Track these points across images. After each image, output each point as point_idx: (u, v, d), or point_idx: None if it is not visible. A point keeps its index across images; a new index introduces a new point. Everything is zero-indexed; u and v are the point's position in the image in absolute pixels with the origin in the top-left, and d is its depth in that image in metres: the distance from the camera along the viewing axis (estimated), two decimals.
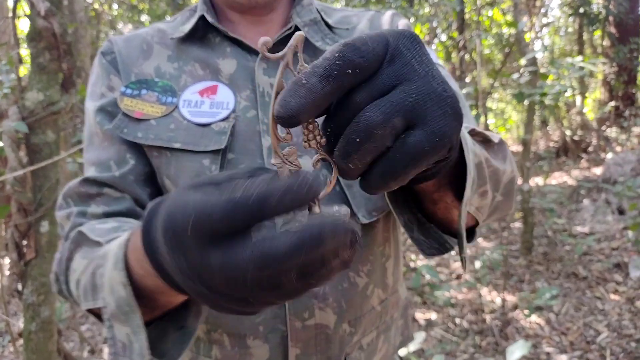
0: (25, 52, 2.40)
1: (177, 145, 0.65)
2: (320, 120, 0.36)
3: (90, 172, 0.68)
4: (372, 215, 0.69)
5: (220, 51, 0.71)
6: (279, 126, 0.34)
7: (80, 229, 0.59)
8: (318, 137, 0.36)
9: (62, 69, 1.89)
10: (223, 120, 0.66)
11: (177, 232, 0.32)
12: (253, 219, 0.30)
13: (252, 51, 0.70)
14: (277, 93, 0.33)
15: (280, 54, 0.34)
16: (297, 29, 0.71)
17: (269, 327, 0.66)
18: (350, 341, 0.71)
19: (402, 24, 0.80)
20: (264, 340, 0.67)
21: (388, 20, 0.79)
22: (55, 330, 1.94)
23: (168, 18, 0.83)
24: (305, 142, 0.36)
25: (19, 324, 2.89)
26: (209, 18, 0.70)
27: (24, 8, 1.94)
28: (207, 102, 0.67)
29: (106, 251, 0.50)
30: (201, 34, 0.72)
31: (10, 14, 1.97)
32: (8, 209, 1.92)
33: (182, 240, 0.32)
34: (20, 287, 1.94)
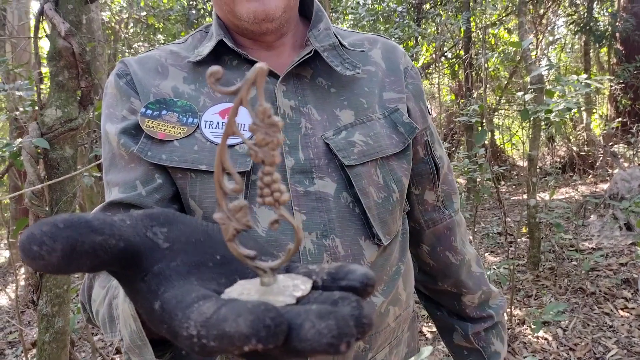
0: (45, 70, 2.49)
1: (202, 167, 0.65)
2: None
3: (114, 193, 0.67)
4: (387, 238, 0.72)
5: (238, 74, 0.71)
6: (225, 175, 0.30)
7: None
8: (276, 193, 0.29)
9: (80, 86, 1.96)
10: None
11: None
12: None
13: (270, 73, 0.70)
14: (228, 135, 0.28)
15: (233, 88, 0.27)
16: (316, 53, 0.72)
17: None
18: (365, 358, 0.73)
19: (413, 67, 0.83)
20: None
21: (402, 57, 0.81)
22: (68, 341, 1.98)
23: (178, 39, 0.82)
24: (259, 197, 0.30)
25: (32, 334, 2.93)
26: (229, 43, 0.70)
27: (46, 28, 2.02)
28: None
29: (117, 284, 0.50)
30: (216, 56, 0.72)
31: (33, 34, 2.06)
32: (26, 222, 1.98)
33: None
34: (35, 298, 1.98)
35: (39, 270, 0.28)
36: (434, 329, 2.98)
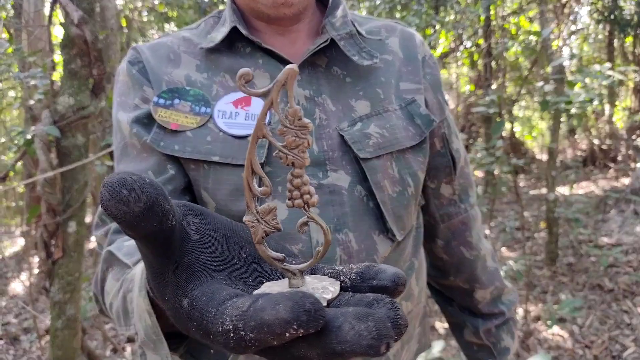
0: (58, 58, 2.49)
1: (215, 159, 0.64)
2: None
3: None
4: (402, 234, 0.70)
5: (252, 61, 0.69)
6: (255, 177, 0.29)
7: (109, 248, 0.58)
8: (306, 196, 0.29)
9: (93, 74, 1.95)
10: None
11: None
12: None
13: (284, 61, 0.69)
14: (257, 138, 0.28)
15: (263, 90, 0.27)
16: (333, 41, 0.70)
17: None
18: None
19: (431, 56, 0.80)
20: None
21: (420, 46, 0.79)
22: (79, 328, 2.00)
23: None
24: (289, 199, 0.30)
25: (46, 321, 2.97)
26: (243, 30, 0.68)
27: (59, 16, 2.02)
28: (242, 113, 0.66)
29: (133, 275, 0.49)
30: (229, 43, 0.70)
31: (46, 22, 2.05)
32: (38, 209, 1.99)
33: None
34: (47, 285, 2.01)
35: (115, 217, 0.27)
36: (446, 324, 2.95)
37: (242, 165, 0.62)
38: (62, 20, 1.97)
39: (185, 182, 0.67)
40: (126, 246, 0.57)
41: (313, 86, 0.69)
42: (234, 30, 0.69)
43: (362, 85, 0.71)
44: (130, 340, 2.80)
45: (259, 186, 0.30)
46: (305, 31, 0.74)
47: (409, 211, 0.72)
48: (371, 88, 0.72)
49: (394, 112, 0.71)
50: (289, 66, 0.27)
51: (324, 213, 0.65)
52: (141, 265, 0.45)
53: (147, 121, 0.67)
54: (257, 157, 0.62)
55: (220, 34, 0.70)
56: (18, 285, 3.88)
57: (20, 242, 5.30)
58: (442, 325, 2.91)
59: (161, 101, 0.67)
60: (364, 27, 0.77)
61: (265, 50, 0.69)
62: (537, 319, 2.95)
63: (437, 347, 2.06)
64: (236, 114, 0.66)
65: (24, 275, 3.94)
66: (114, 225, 0.64)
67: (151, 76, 0.69)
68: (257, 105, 0.67)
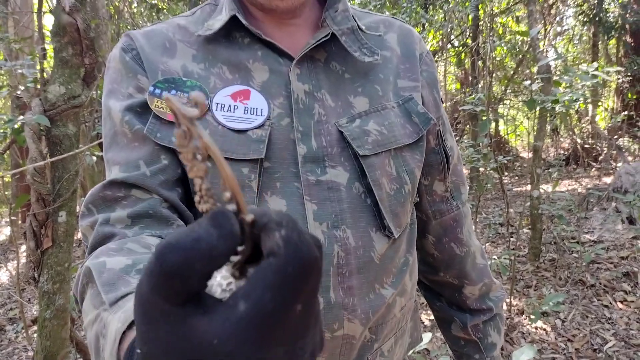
0: (48, 46, 2.46)
1: None
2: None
3: (115, 172, 0.64)
4: (398, 231, 0.71)
5: (250, 53, 0.67)
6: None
7: (89, 265, 0.51)
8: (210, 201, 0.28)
9: (84, 63, 1.94)
10: (259, 127, 0.64)
11: (142, 300, 0.25)
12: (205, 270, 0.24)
13: (283, 54, 0.67)
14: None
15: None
16: (333, 35, 0.68)
17: None
18: (370, 348, 0.72)
19: (428, 53, 0.80)
20: None
21: (418, 43, 0.79)
22: (68, 319, 1.98)
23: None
24: (198, 203, 0.28)
25: (33, 311, 2.94)
26: (243, 20, 0.66)
27: (50, 4, 1.99)
28: (241, 107, 0.64)
29: (107, 323, 0.43)
30: (227, 32, 0.68)
31: (34, 10, 2.03)
32: (27, 197, 1.97)
33: (151, 310, 0.25)
34: (36, 275, 1.99)
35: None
36: (433, 317, 2.99)
37: (242, 160, 0.62)
38: (52, 8, 1.95)
39: (178, 173, 0.65)
40: (107, 270, 0.50)
41: (312, 81, 0.68)
42: (232, 19, 0.67)
43: (361, 81, 0.71)
44: None
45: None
46: (306, 26, 0.73)
47: (405, 208, 0.72)
48: (370, 84, 0.71)
49: (392, 109, 0.71)
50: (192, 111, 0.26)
51: (322, 210, 0.65)
52: (115, 326, 0.40)
53: (140, 110, 0.65)
54: (257, 152, 0.62)
55: (218, 22, 0.67)
56: (3, 275, 3.83)
57: (7, 231, 5.21)
58: (427, 318, 2.95)
59: (157, 91, 0.64)
60: (363, 22, 0.76)
61: (264, 42, 0.67)
62: (521, 312, 3.01)
63: (425, 339, 2.10)
64: (235, 108, 0.64)
65: (10, 265, 3.89)
66: (101, 216, 0.61)
67: (146, 64, 0.66)
68: (256, 99, 0.65)
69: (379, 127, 0.69)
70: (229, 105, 0.64)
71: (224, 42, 0.68)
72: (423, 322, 2.94)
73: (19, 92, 2.15)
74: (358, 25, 0.71)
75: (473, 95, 3.39)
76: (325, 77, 0.69)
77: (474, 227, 3.88)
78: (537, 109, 3.02)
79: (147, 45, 0.68)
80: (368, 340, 0.71)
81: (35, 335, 2.06)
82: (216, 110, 0.64)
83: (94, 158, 2.38)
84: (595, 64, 2.84)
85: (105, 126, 0.68)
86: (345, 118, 0.68)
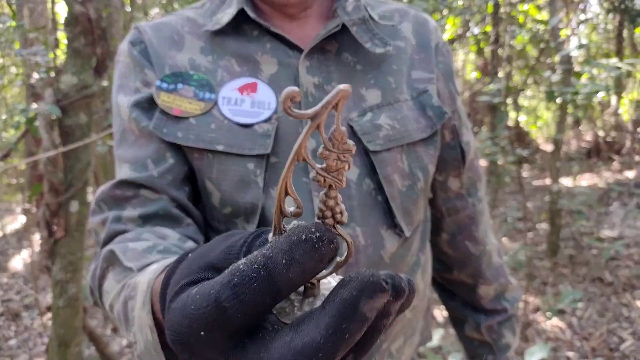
0: (61, 35, 2.46)
1: (220, 148, 0.62)
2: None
3: (125, 170, 0.64)
4: (410, 229, 0.69)
5: (259, 46, 0.67)
6: (287, 198, 0.29)
7: (112, 248, 0.55)
8: (338, 215, 0.29)
9: (96, 53, 1.93)
10: (265, 121, 0.63)
11: (187, 345, 0.27)
12: (271, 300, 0.26)
13: (293, 46, 0.66)
14: (296, 161, 0.27)
15: (310, 112, 0.25)
16: (344, 26, 0.67)
17: None
18: (378, 347, 0.70)
19: (444, 44, 0.78)
20: None
21: (433, 32, 0.76)
22: (81, 307, 2.00)
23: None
24: (319, 218, 0.29)
25: (47, 299, 2.99)
26: (251, 13, 0.65)
27: None
28: (248, 100, 0.64)
29: (136, 283, 0.47)
30: (235, 25, 0.67)
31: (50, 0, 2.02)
32: (40, 187, 1.98)
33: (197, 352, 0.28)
34: (49, 264, 2.01)
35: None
36: (446, 313, 2.96)
37: (248, 156, 0.62)
38: None
39: (185, 172, 0.65)
40: (131, 249, 0.54)
41: (323, 73, 0.66)
42: (240, 12, 0.66)
43: (373, 73, 0.69)
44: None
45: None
46: (315, 15, 0.71)
47: (418, 206, 0.70)
48: (382, 76, 0.69)
49: (405, 102, 0.69)
50: (341, 86, 0.25)
51: None
52: (146, 277, 0.44)
53: (147, 106, 0.65)
54: (263, 147, 0.61)
55: (226, 15, 0.66)
56: (19, 263, 3.90)
57: (22, 219, 5.32)
58: (441, 314, 2.92)
59: (164, 85, 0.64)
60: (377, 11, 0.73)
61: (273, 34, 0.66)
62: (537, 309, 2.95)
63: (437, 335, 2.07)
64: (242, 101, 0.63)
65: (24, 253, 3.96)
66: (112, 214, 0.61)
67: (153, 58, 0.66)
68: (264, 92, 0.64)
69: (391, 122, 0.67)
70: (236, 99, 0.64)
71: (232, 34, 0.67)
72: (435, 318, 2.91)
73: (33, 80, 2.15)
74: (370, 15, 0.70)
75: (491, 86, 3.31)
76: (337, 69, 0.67)
77: (491, 221, 3.80)
78: (558, 100, 2.94)
79: (156, 38, 0.68)
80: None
81: (50, 322, 2.09)
82: (222, 104, 0.63)
83: (106, 147, 2.39)
84: (615, 59, 2.75)
85: (115, 122, 0.68)
86: (356, 112, 0.66)
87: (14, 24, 2.34)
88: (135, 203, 0.62)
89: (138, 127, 0.64)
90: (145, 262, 0.51)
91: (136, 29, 0.70)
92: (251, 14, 0.65)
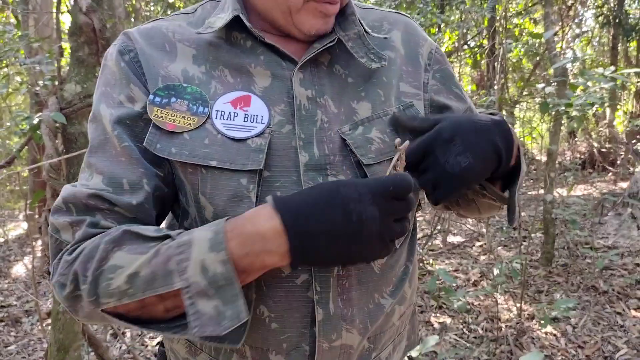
0: (65, 45, 2.51)
1: (213, 164, 0.61)
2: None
3: (97, 181, 0.62)
4: (399, 241, 0.70)
5: (252, 57, 0.66)
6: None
7: (129, 229, 0.57)
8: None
9: (100, 62, 1.97)
10: (258, 135, 0.63)
11: (379, 193, 0.54)
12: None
13: (286, 58, 0.66)
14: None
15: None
16: (339, 41, 0.68)
17: (293, 345, 0.65)
18: (368, 357, 0.71)
19: (437, 48, 0.78)
20: (285, 356, 0.66)
21: (422, 44, 0.77)
22: None
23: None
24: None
25: (47, 304, 3.00)
26: (246, 22, 0.65)
27: (67, 3, 2.03)
28: (241, 114, 0.63)
29: (190, 239, 0.54)
30: (227, 32, 0.67)
31: (55, 10, 2.07)
32: (42, 194, 2.02)
33: (381, 198, 0.54)
34: (50, 269, 2.03)
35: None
36: (442, 319, 2.98)
37: (241, 171, 0.61)
38: (70, 8, 1.99)
39: (156, 197, 0.64)
40: (153, 229, 0.59)
41: (315, 86, 0.67)
42: (234, 20, 0.65)
43: (364, 85, 0.70)
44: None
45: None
46: None
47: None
48: (373, 88, 0.70)
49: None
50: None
51: None
52: (204, 232, 0.55)
53: (130, 122, 0.64)
54: (256, 162, 0.62)
55: (220, 20, 0.66)
56: (20, 268, 3.91)
57: (24, 226, 5.32)
58: (436, 321, 2.95)
59: (157, 99, 0.63)
60: (366, 20, 0.74)
61: (267, 45, 0.66)
62: (531, 317, 2.98)
63: (432, 341, 2.09)
64: (235, 115, 0.63)
65: (26, 259, 3.98)
66: (88, 219, 0.60)
67: (146, 69, 0.65)
68: (257, 105, 0.64)
69: (381, 135, 0.68)
70: (229, 113, 0.64)
71: (225, 44, 0.67)
72: (432, 325, 2.93)
73: (37, 88, 2.19)
74: (365, 29, 0.70)
75: (485, 98, 3.36)
76: (329, 82, 0.68)
77: (484, 229, 3.84)
78: (552, 112, 2.99)
79: (148, 47, 0.66)
80: (366, 349, 0.71)
81: (49, 327, 2.10)
82: (216, 118, 0.63)
83: None
84: (612, 67, 2.80)
85: (92, 128, 0.66)
86: (348, 125, 0.67)
87: (19, 33, 2.39)
88: (108, 214, 0.61)
89: (120, 144, 0.63)
90: (177, 232, 0.57)
91: (125, 35, 0.68)
92: (247, 23, 0.65)
